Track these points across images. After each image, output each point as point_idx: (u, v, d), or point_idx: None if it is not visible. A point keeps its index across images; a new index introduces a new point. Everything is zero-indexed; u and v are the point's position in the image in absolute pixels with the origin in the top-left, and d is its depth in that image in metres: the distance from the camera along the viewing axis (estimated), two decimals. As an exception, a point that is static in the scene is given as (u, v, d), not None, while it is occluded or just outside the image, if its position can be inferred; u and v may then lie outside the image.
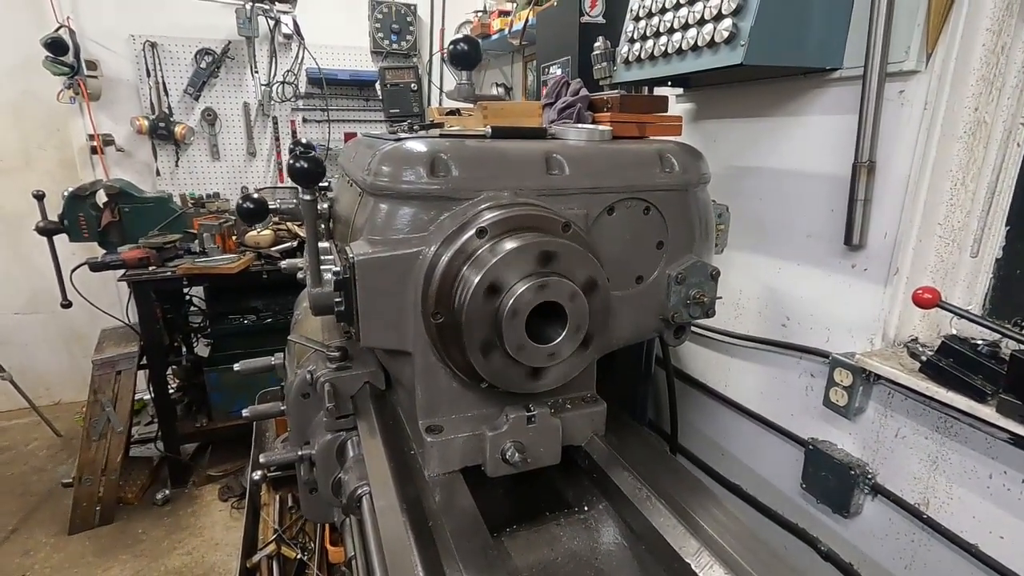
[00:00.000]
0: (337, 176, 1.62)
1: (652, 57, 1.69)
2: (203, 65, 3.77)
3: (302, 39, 3.94)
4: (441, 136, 1.17)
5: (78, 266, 2.92)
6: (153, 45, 3.65)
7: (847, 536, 1.60)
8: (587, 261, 0.97)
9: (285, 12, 3.83)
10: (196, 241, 3.08)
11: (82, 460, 2.84)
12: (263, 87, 3.91)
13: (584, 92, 1.46)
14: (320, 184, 1.18)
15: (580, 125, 1.29)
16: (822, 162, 1.57)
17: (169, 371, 3.34)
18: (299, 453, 1.39)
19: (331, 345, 1.43)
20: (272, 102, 3.97)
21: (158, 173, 3.87)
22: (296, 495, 2.06)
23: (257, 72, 3.88)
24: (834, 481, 1.56)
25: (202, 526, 2.94)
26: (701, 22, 1.48)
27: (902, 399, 1.42)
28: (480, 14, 3.52)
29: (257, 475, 1.91)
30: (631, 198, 1.16)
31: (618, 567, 1.05)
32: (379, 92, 4.19)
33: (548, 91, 1.59)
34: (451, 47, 1.18)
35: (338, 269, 1.03)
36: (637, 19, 1.79)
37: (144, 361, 3.08)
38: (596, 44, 1.99)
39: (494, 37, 3.31)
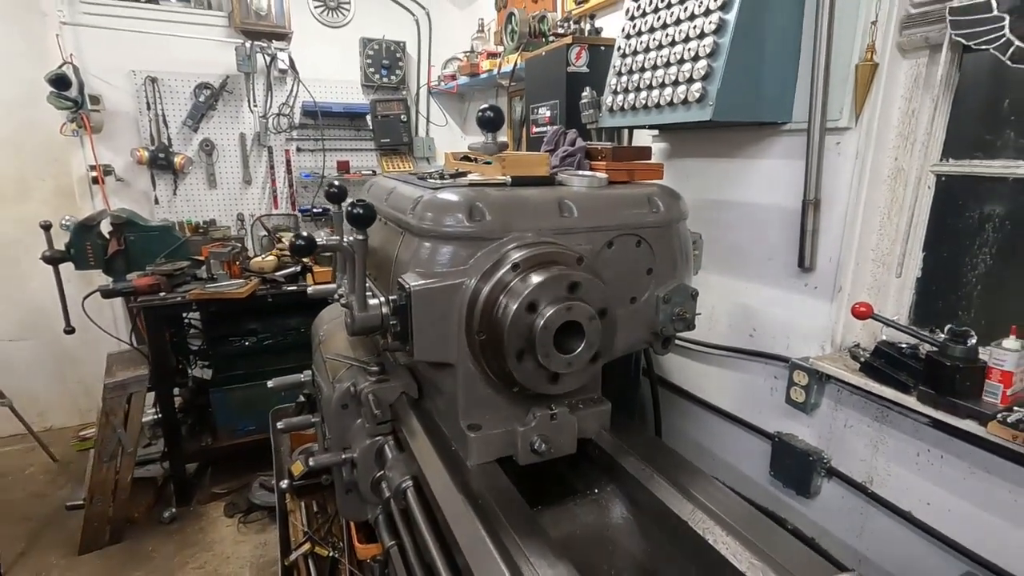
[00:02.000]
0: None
1: (634, 108, 1.99)
2: (202, 98, 3.94)
3: (297, 74, 4.15)
4: (471, 186, 1.41)
5: (90, 293, 3.04)
6: (154, 80, 3.81)
7: (809, 514, 1.87)
8: (603, 291, 1.22)
9: (281, 49, 4.04)
10: (203, 268, 3.24)
11: (93, 481, 2.93)
12: (260, 119, 4.10)
13: (580, 142, 1.73)
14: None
15: (582, 172, 1.56)
16: (777, 198, 1.87)
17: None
18: (342, 456, 1.60)
19: (370, 361, 1.65)
20: (268, 133, 4.15)
21: (156, 201, 4.00)
22: (320, 502, 2.24)
23: (256, 105, 4.07)
24: (797, 467, 1.84)
25: (211, 541, 3.05)
26: (675, 83, 1.78)
27: (849, 395, 1.71)
28: (469, 54, 3.80)
29: (284, 483, 2.10)
30: (626, 234, 1.43)
31: (626, 536, 1.29)
32: (370, 123, 4.43)
33: (548, 139, 1.86)
34: (480, 114, 1.43)
35: (394, 297, 1.26)
36: (619, 74, 2.09)
37: (150, 384, 3.19)
38: (584, 93, 2.28)
39: (482, 76, 3.59)
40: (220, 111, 4.05)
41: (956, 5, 1.36)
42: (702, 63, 1.67)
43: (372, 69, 4.37)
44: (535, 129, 2.85)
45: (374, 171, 4.45)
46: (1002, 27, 1.27)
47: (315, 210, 4.37)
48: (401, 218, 1.40)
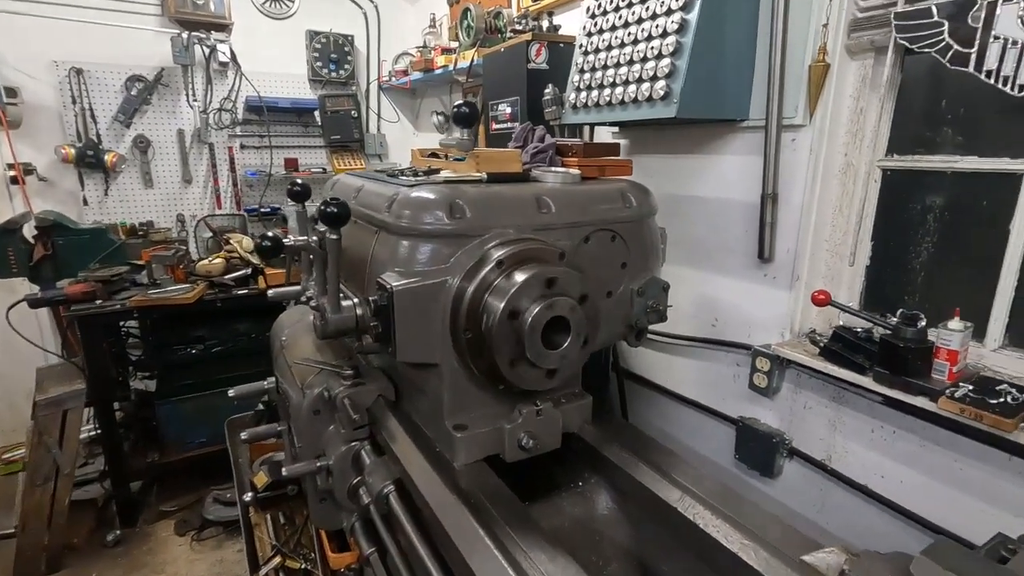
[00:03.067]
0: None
1: (597, 105, 2.01)
2: (134, 92, 3.69)
3: (239, 67, 3.96)
4: (446, 183, 1.39)
5: (14, 304, 2.80)
6: (79, 71, 3.54)
7: (773, 494, 1.97)
8: (579, 280, 1.23)
9: (222, 40, 3.84)
10: (143, 273, 3.04)
11: (25, 507, 2.70)
12: (200, 114, 3.88)
13: (550, 139, 1.73)
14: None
15: (555, 169, 1.56)
16: (736, 193, 1.95)
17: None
18: (317, 465, 1.54)
19: (343, 364, 1.60)
20: (209, 129, 3.94)
21: (85, 202, 3.72)
22: (287, 513, 2.15)
23: (195, 100, 3.85)
24: (761, 450, 1.93)
25: (162, 562, 2.88)
26: (639, 80, 1.82)
27: (808, 378, 1.81)
28: (422, 49, 3.74)
29: (248, 496, 2.01)
30: (602, 229, 1.45)
31: (613, 526, 1.31)
32: (319, 119, 4.28)
33: (516, 136, 1.85)
34: (455, 110, 1.41)
35: (374, 297, 1.22)
36: (582, 71, 2.11)
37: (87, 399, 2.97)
38: (547, 90, 2.29)
39: (437, 72, 3.54)
40: (156, 106, 3.81)
41: (900, 10, 1.46)
42: (665, 61, 1.72)
43: (320, 63, 4.23)
44: (495, 125, 2.84)
45: (324, 168, 4.31)
46: (942, 32, 1.37)
47: (263, 210, 4.18)
48: (374, 216, 1.36)
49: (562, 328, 1.21)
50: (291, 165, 4.22)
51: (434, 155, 1.86)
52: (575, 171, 1.54)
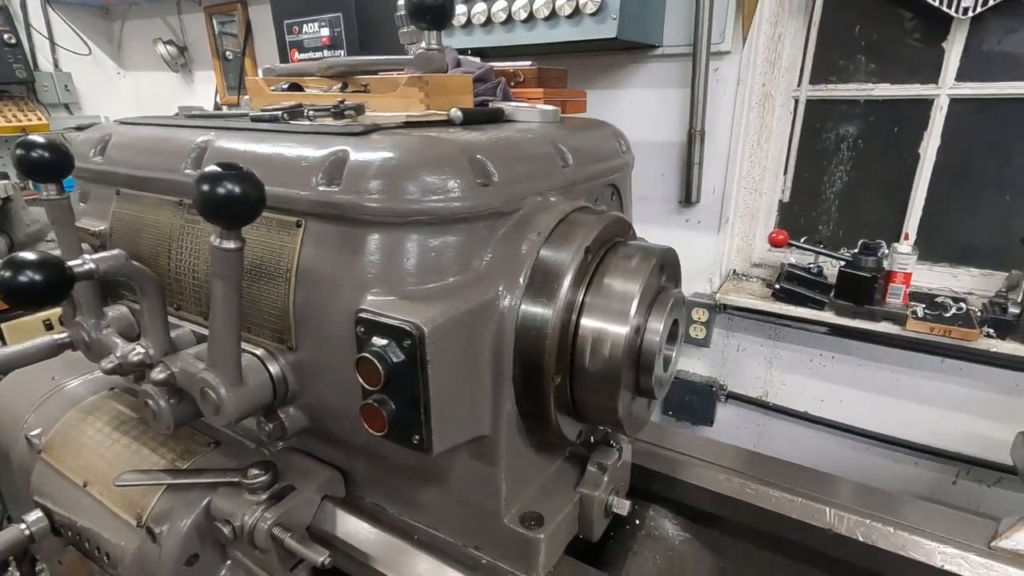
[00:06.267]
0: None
1: (491, 23, 1.54)
2: None
3: None
4: (408, 125, 0.82)
5: None
6: None
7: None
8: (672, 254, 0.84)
9: None
10: None
11: None
12: None
13: (479, 63, 1.22)
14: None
15: (527, 105, 1.09)
16: (649, 132, 1.74)
17: None
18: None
19: (227, 467, 0.89)
20: None
21: None
22: None
23: None
24: (699, 401, 1.87)
25: None
26: (558, -10, 1.42)
27: (740, 320, 1.77)
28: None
29: None
30: (608, 184, 1.07)
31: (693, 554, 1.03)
32: (-63, 46, 2.63)
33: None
34: (414, -4, 0.81)
35: (377, 350, 0.63)
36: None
37: None
38: (400, 3, 1.68)
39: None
40: None
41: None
42: (595, -35, 1.35)
43: (-84, -50, 2.55)
44: (298, 55, 2.07)
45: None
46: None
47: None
48: (294, 195, 0.71)
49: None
50: None
51: (295, 87, 1.17)
52: (552, 107, 1.10)
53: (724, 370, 1.86)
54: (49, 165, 0.76)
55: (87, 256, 0.68)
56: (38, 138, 0.76)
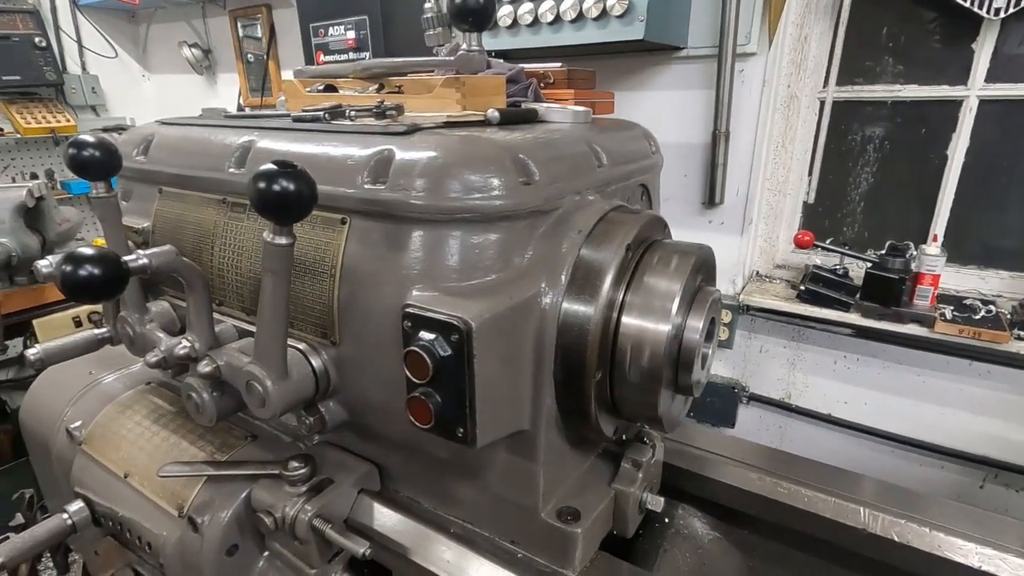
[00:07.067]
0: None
1: (530, 24, 1.54)
2: None
3: None
4: (448, 125, 0.83)
5: None
6: None
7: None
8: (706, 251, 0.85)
9: None
10: None
11: None
12: None
13: (510, 65, 1.24)
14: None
15: (558, 106, 1.10)
16: (673, 134, 1.74)
17: None
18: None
19: (267, 460, 0.91)
20: None
21: None
22: None
23: None
24: (720, 403, 1.87)
25: None
26: (586, -8, 1.42)
27: (763, 322, 1.77)
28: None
29: None
30: (639, 184, 1.08)
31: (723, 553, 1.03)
32: (-29, 49, 2.70)
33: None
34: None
35: (426, 344, 0.64)
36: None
37: None
38: (428, 5, 1.70)
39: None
40: None
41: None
42: (621, -33, 1.36)
43: (-47, -44, 2.62)
44: (323, 58, 2.10)
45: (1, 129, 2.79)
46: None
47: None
48: (338, 193, 0.73)
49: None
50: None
51: (330, 88, 1.19)
52: (583, 108, 1.11)
53: (746, 371, 1.85)
54: (99, 164, 0.78)
55: (140, 252, 0.70)
56: (89, 137, 0.78)
